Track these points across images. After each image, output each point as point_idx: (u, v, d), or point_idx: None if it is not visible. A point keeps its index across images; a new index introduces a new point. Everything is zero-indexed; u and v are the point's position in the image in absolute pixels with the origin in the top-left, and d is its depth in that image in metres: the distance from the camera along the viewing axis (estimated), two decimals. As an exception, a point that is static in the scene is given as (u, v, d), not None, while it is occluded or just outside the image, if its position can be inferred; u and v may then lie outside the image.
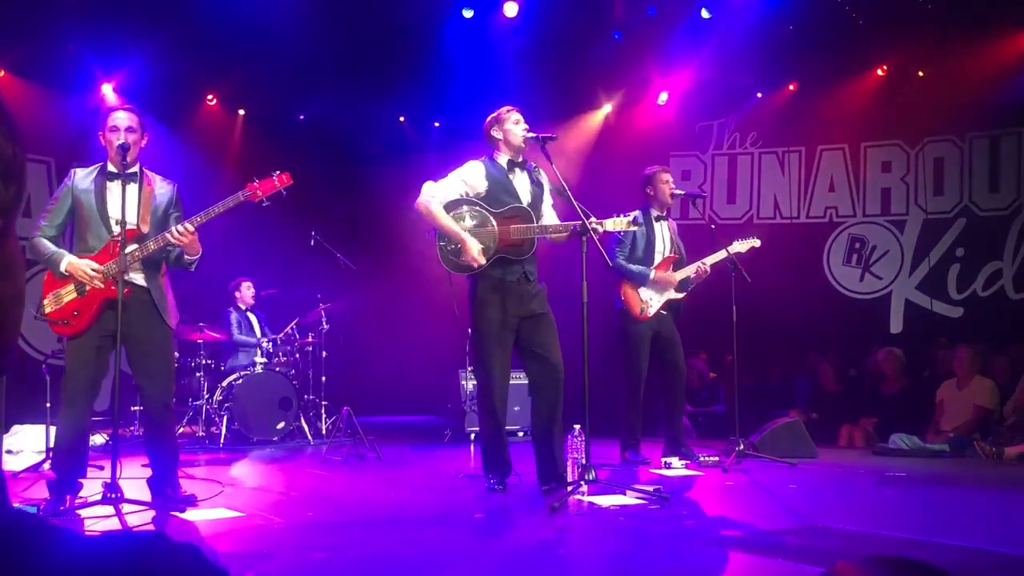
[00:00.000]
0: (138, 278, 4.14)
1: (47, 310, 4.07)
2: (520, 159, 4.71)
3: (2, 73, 8.15)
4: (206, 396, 7.42)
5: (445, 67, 8.82)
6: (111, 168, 4.16)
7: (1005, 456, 6.24)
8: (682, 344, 6.11)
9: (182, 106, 9.31)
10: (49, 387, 6.07)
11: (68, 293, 4.04)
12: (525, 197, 4.66)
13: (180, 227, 4.02)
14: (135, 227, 4.05)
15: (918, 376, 8.08)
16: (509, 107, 4.73)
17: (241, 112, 9.81)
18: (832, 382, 8.31)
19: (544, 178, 4.81)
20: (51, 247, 4.07)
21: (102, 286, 4.00)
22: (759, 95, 9.59)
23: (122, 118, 4.13)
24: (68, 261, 4.02)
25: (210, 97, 9.50)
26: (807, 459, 6.03)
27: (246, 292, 8.26)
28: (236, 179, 8.23)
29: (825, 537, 3.50)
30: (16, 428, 6.78)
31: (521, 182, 4.70)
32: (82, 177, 4.16)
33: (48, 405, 6.06)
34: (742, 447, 5.76)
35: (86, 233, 4.11)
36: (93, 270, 3.99)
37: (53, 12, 7.61)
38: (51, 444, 6.01)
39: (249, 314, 8.26)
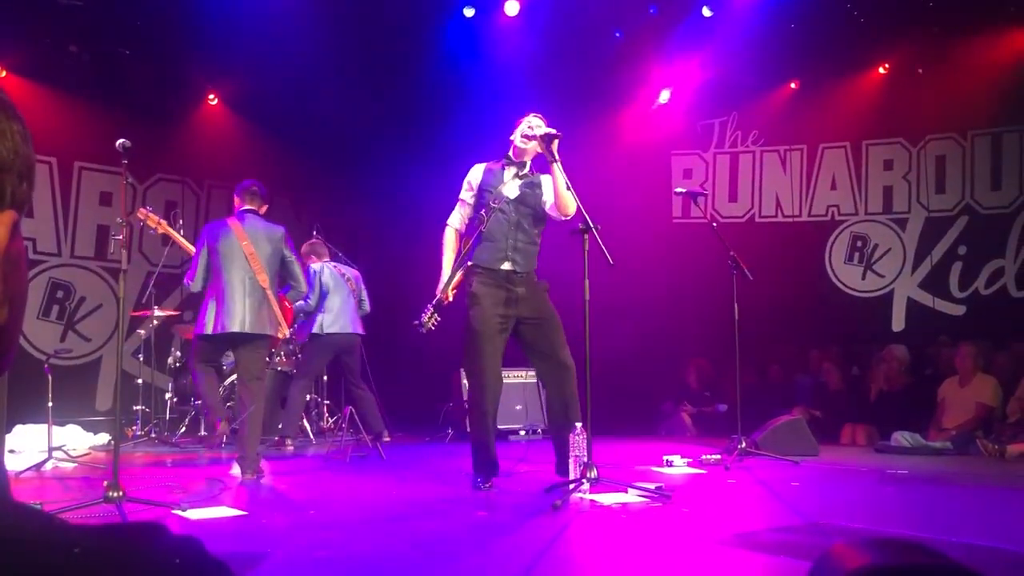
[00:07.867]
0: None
1: None
2: (519, 159, 4.75)
3: (4, 73, 8.15)
4: (208, 395, 7.38)
5: (445, 65, 8.81)
6: None
7: (1007, 454, 6.24)
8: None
9: (183, 104, 9.31)
10: (51, 386, 6.06)
11: None
12: (512, 194, 4.71)
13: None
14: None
15: (920, 374, 8.07)
16: (532, 113, 4.75)
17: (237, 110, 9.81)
18: (834, 380, 8.30)
19: (543, 180, 4.80)
20: None
21: None
22: (760, 92, 9.58)
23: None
24: None
25: (211, 96, 9.49)
26: (809, 457, 6.03)
27: None
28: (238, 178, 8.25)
29: (827, 535, 3.49)
30: (18, 428, 6.78)
31: (510, 181, 4.74)
32: None
33: (50, 404, 6.05)
34: (744, 445, 5.76)
35: None
36: None
37: (53, 13, 7.61)
38: (53, 443, 6.05)
39: None
